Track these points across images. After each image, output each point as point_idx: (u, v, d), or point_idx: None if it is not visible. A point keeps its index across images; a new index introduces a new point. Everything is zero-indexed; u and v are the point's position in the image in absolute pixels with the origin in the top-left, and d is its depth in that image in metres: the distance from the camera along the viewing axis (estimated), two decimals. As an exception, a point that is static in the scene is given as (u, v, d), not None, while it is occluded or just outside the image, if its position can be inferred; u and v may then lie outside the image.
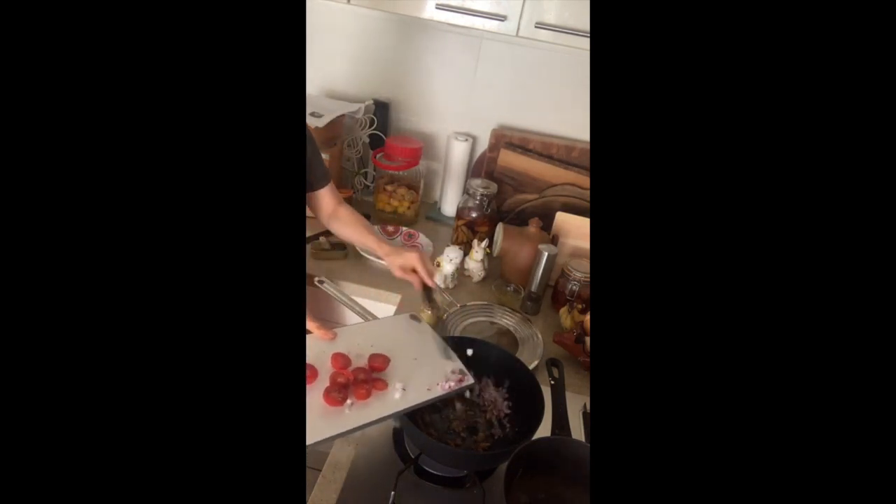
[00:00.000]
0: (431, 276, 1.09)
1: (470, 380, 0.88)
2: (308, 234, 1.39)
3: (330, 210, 1.16)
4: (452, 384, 0.86)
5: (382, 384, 0.82)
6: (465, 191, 1.47)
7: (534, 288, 1.28)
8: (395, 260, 1.09)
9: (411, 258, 1.08)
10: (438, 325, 1.16)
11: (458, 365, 0.90)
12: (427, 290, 1.10)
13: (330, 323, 1.37)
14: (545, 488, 0.80)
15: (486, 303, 1.25)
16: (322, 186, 1.13)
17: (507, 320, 1.21)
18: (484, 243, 1.33)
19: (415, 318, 1.00)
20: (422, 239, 1.47)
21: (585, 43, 1.11)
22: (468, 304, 1.23)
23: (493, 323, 1.21)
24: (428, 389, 0.84)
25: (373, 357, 0.86)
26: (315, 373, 0.80)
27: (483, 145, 1.59)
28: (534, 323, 1.22)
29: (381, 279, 1.30)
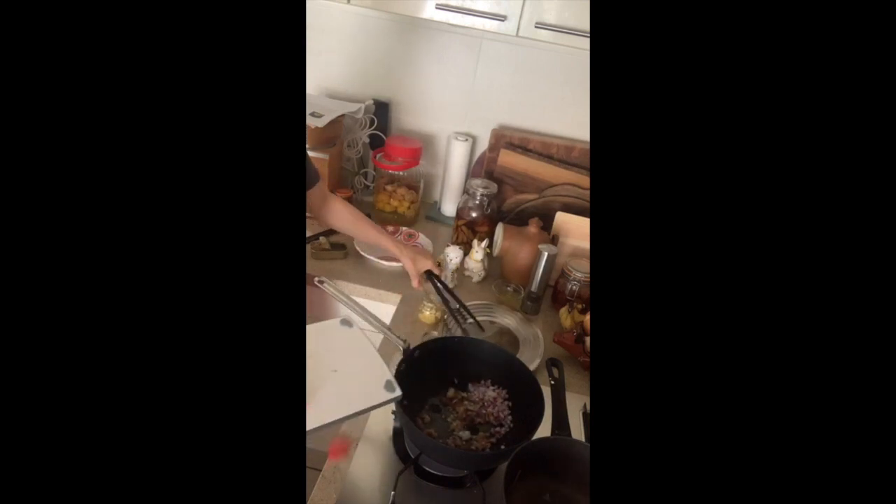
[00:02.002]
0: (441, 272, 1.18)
1: (397, 392, 0.80)
2: (308, 234, 1.39)
3: (319, 204, 1.18)
4: (374, 397, 0.77)
5: None
6: (465, 191, 1.47)
7: (534, 288, 1.28)
8: (413, 264, 1.14)
9: (428, 263, 1.15)
10: (440, 325, 1.16)
11: (387, 375, 0.82)
12: (431, 278, 1.15)
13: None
14: (545, 488, 0.80)
15: (486, 302, 1.25)
16: (312, 185, 1.14)
17: (508, 320, 1.21)
18: (484, 243, 1.33)
19: (346, 323, 0.92)
20: (422, 239, 1.47)
21: (585, 43, 1.11)
22: (468, 303, 1.23)
23: (493, 322, 1.21)
24: (345, 405, 0.75)
25: None
26: None
27: (483, 145, 1.59)
28: (534, 322, 1.22)
29: (382, 279, 1.30)
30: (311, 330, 0.89)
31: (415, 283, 1.16)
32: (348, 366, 0.82)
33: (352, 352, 0.85)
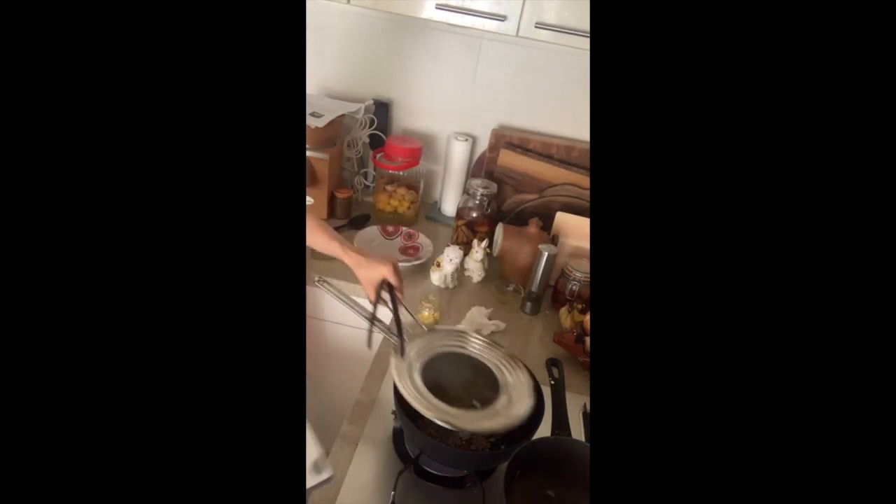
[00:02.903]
0: (402, 290, 0.94)
1: (324, 475, 0.70)
2: (308, 234, 1.39)
3: None
4: (309, 479, 0.70)
5: None
6: (465, 191, 1.47)
7: (534, 288, 1.28)
8: (365, 273, 0.94)
9: (383, 270, 0.92)
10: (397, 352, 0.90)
11: (313, 455, 0.72)
12: (396, 313, 0.92)
13: (329, 323, 1.37)
14: (545, 488, 0.80)
15: (460, 329, 0.97)
16: None
17: (487, 355, 0.92)
18: (484, 243, 1.33)
19: None
20: (422, 239, 1.47)
21: (585, 43, 1.11)
22: (436, 328, 0.97)
23: (464, 355, 0.92)
24: None
25: None
26: None
27: (483, 145, 1.59)
28: (520, 368, 0.90)
29: (381, 279, 1.30)
30: None
31: (371, 295, 0.95)
32: None
33: None
